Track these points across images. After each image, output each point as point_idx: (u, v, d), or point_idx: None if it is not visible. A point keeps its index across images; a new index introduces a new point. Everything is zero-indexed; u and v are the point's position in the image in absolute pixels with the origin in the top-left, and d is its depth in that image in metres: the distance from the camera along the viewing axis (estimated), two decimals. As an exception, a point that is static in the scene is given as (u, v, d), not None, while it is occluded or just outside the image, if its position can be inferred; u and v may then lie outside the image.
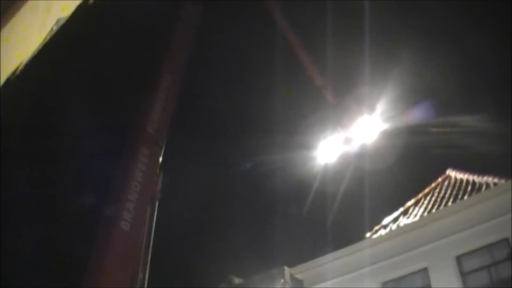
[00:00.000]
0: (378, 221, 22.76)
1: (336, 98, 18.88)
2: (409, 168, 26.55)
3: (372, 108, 18.99)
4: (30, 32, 4.79)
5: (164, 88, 12.74)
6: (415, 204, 22.63)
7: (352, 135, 19.42)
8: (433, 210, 20.59)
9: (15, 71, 4.78)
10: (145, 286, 10.57)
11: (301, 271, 21.41)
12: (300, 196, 25.30)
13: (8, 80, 4.74)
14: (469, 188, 20.68)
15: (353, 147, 19.98)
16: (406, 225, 20.49)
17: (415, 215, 21.26)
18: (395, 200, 24.23)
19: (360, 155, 20.33)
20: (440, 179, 23.21)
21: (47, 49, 4.91)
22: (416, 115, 20.87)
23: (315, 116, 20.03)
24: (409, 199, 23.26)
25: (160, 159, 12.24)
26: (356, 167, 20.98)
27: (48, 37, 4.86)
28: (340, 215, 24.47)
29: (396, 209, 23.06)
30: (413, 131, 21.35)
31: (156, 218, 11.54)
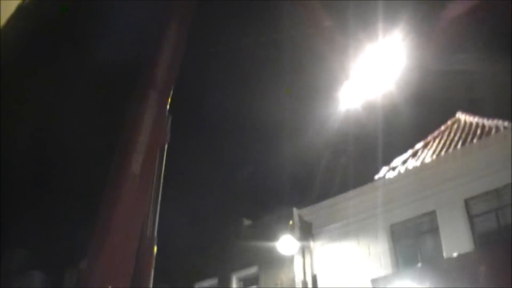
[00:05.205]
0: (388, 163, 22.80)
1: (345, 39, 18.66)
2: (419, 110, 26.47)
3: (381, 48, 18.80)
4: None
5: (173, 31, 12.63)
6: (424, 146, 22.61)
7: (364, 76, 19.31)
8: (442, 153, 20.59)
9: None
10: (155, 229, 10.74)
11: (310, 213, 21.56)
12: (312, 139, 25.38)
13: None
14: (479, 131, 20.60)
15: (367, 89, 19.91)
16: (414, 168, 20.52)
17: (424, 158, 21.27)
18: (404, 142, 24.24)
19: (373, 97, 20.27)
20: (449, 122, 23.12)
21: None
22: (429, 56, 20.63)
23: (331, 63, 19.85)
24: (418, 141, 23.22)
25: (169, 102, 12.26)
26: (367, 109, 20.94)
27: None
28: (350, 157, 24.56)
29: (405, 151, 23.05)
30: (425, 72, 21.17)
31: (166, 162, 11.64)
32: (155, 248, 10.53)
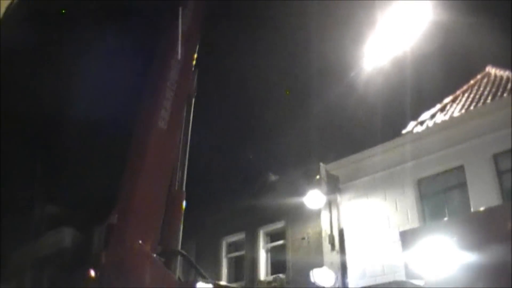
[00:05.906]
0: (416, 118, 22.59)
1: None
2: (448, 64, 26.09)
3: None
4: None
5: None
6: (453, 101, 22.31)
7: (392, 29, 19.09)
8: (471, 108, 20.33)
9: None
10: (184, 183, 10.85)
11: (337, 168, 21.53)
12: (339, 93, 25.26)
13: None
14: (509, 85, 20.26)
15: (395, 42, 19.68)
16: (443, 122, 20.29)
17: (453, 112, 21.03)
18: (432, 96, 23.95)
19: (401, 50, 20.02)
20: (479, 76, 22.72)
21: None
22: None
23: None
24: (446, 96, 22.92)
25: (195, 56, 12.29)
26: (395, 63, 20.72)
27: None
28: (378, 111, 24.41)
29: (433, 105, 22.79)
30: (454, 25, 20.80)
31: (194, 118, 11.70)
32: (184, 203, 10.65)
